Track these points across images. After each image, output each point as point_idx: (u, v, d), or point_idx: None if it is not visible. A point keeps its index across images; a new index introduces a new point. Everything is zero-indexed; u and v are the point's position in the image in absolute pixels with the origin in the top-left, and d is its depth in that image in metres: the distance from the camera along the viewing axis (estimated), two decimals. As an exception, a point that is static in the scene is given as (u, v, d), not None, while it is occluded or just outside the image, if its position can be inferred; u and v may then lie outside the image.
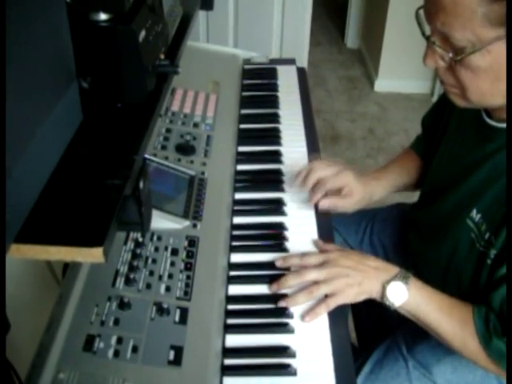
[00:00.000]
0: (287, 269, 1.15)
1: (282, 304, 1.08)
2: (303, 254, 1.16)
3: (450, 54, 0.98)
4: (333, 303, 1.08)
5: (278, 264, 1.15)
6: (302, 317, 1.06)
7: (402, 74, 4.06)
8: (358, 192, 1.35)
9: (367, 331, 1.65)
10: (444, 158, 1.30)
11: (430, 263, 1.29)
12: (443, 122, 1.34)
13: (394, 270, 1.11)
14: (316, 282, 1.09)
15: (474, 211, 1.12)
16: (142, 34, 0.82)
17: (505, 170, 1.05)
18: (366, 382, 1.24)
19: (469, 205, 1.14)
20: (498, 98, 1.00)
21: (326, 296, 1.09)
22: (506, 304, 1.04)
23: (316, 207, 1.32)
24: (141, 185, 0.71)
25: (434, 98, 3.95)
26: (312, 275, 1.10)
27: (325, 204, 1.30)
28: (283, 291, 1.11)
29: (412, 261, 1.41)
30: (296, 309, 1.08)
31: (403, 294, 1.08)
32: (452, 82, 1.04)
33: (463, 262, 1.17)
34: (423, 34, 1.05)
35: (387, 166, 1.53)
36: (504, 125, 1.08)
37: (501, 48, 0.91)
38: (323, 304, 1.07)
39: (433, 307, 1.09)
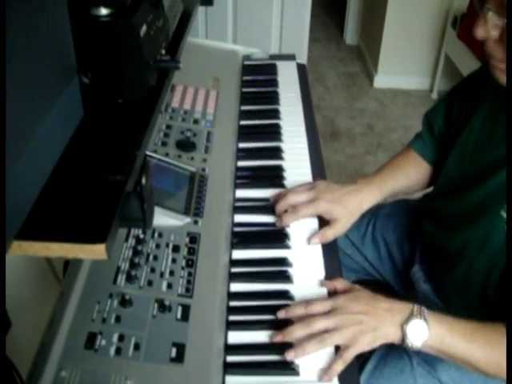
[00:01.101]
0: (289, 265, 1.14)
1: (289, 356, 0.98)
2: (308, 302, 1.05)
3: (501, 22, 0.97)
4: (349, 355, 0.99)
5: (281, 316, 1.05)
6: (320, 377, 0.96)
7: (401, 70, 4.06)
8: (341, 213, 1.27)
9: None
10: (468, 149, 1.26)
11: (455, 254, 1.25)
12: (463, 114, 1.31)
13: (407, 308, 1.03)
14: (326, 331, 1.00)
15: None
16: (144, 28, 0.81)
17: None
18: (369, 378, 1.23)
19: (503, 197, 1.11)
20: None
21: (339, 348, 1.01)
22: None
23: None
24: (143, 181, 0.71)
25: (433, 94, 3.95)
26: (321, 324, 1.01)
27: (314, 241, 1.23)
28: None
29: (420, 253, 1.39)
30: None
31: (424, 332, 1.01)
32: (501, 55, 1.02)
33: (497, 254, 1.13)
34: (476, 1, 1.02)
35: (382, 170, 1.45)
36: None
37: None
38: (339, 359, 0.98)
39: (458, 338, 1.03)
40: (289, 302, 1.08)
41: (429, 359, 1.22)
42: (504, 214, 1.11)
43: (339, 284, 1.11)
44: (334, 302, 1.04)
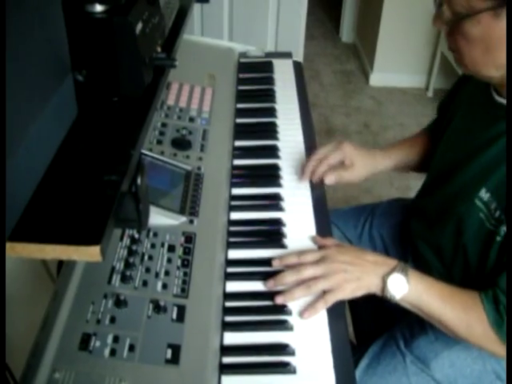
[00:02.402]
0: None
1: (278, 300, 1.06)
2: (300, 253, 1.14)
3: (450, 17, 1.04)
4: (331, 299, 1.07)
5: (275, 264, 1.13)
6: (301, 313, 1.05)
7: (397, 68, 4.05)
8: (360, 161, 1.39)
9: (365, 327, 1.65)
10: (451, 140, 1.31)
11: (436, 248, 1.29)
12: (454, 105, 1.35)
13: (392, 262, 1.10)
14: (314, 278, 1.08)
15: (483, 191, 1.12)
16: (139, 25, 0.80)
17: None
18: (363, 376, 1.24)
19: (477, 185, 1.14)
20: (491, 70, 1.05)
21: (324, 292, 1.08)
22: None
23: (314, 203, 1.31)
24: (138, 181, 0.70)
25: (429, 93, 3.94)
26: (309, 271, 1.09)
27: (331, 178, 1.34)
28: (280, 288, 1.09)
29: (412, 252, 1.40)
30: (294, 306, 1.06)
31: (403, 286, 1.07)
32: (454, 46, 1.09)
33: (471, 243, 1.16)
34: None
35: (397, 143, 1.57)
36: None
37: (489, 20, 0.97)
38: (321, 300, 1.06)
39: (434, 296, 1.08)
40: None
41: (422, 357, 1.23)
42: (479, 203, 1.13)
43: (330, 241, 1.20)
44: (324, 252, 1.13)
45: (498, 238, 1.09)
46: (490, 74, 1.07)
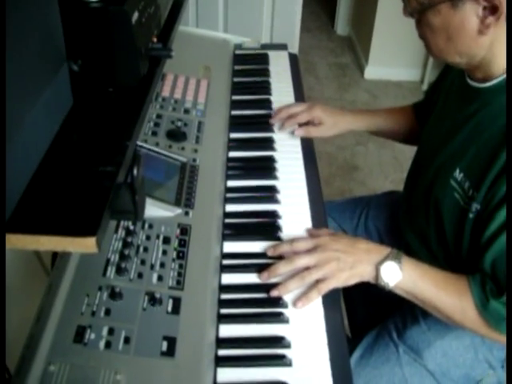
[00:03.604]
0: (280, 257, 1.13)
1: (273, 293, 1.06)
2: (293, 240, 1.14)
3: (415, 8, 1.09)
4: (324, 287, 1.07)
5: (269, 253, 1.13)
6: (294, 303, 1.05)
7: (392, 61, 4.05)
8: (328, 121, 1.51)
9: (359, 320, 1.65)
10: (431, 128, 1.35)
11: (422, 237, 1.30)
12: (439, 92, 1.38)
13: (385, 250, 1.11)
14: (307, 268, 1.08)
15: (457, 171, 1.15)
16: (135, 15, 0.79)
17: (486, 128, 1.10)
18: (356, 367, 1.25)
19: (451, 166, 1.16)
20: (455, 56, 1.10)
21: (317, 281, 1.08)
22: (498, 262, 1.05)
23: (310, 195, 1.31)
24: (135, 172, 0.69)
25: (424, 86, 3.94)
26: (302, 261, 1.09)
27: (300, 132, 1.49)
28: (275, 280, 1.09)
29: (405, 244, 1.41)
30: (290, 298, 1.06)
31: (397, 273, 1.08)
32: (421, 35, 1.14)
33: (449, 225, 1.18)
34: None
35: (375, 110, 1.68)
36: (484, 85, 1.12)
37: (448, 11, 1.03)
38: (315, 289, 1.07)
39: (428, 283, 1.09)
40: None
41: (415, 347, 1.25)
42: (453, 183, 1.15)
43: (323, 231, 1.20)
44: (317, 241, 1.13)
45: (471, 215, 1.10)
46: (455, 61, 1.12)
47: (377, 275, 1.08)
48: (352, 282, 1.10)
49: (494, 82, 1.10)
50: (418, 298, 1.10)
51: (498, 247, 1.04)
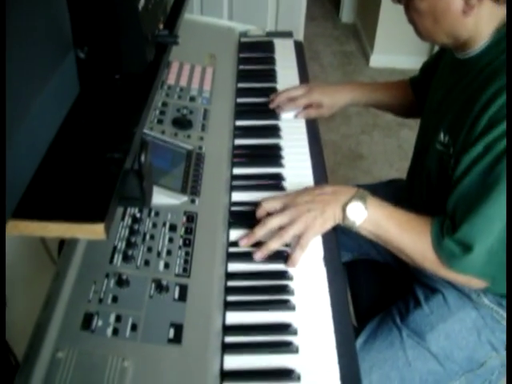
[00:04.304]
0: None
1: (257, 256, 1.09)
2: (262, 201, 1.17)
3: None
4: (305, 242, 1.10)
5: (244, 242, 1.13)
6: (287, 264, 1.09)
7: (398, 49, 4.03)
8: (327, 101, 1.55)
9: (365, 308, 1.65)
10: (425, 111, 1.39)
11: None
12: (435, 77, 1.40)
13: (351, 190, 1.14)
14: (283, 227, 1.11)
15: (442, 134, 1.18)
16: (142, 1, 0.79)
17: (472, 92, 1.12)
18: (360, 352, 1.26)
19: (437, 131, 1.20)
20: (443, 37, 1.15)
21: (299, 238, 1.11)
22: (460, 202, 1.09)
23: (316, 182, 1.30)
24: (142, 158, 0.69)
25: (430, 74, 3.92)
26: (275, 221, 1.12)
27: (301, 115, 1.52)
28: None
29: None
30: (297, 286, 1.06)
31: (362, 213, 1.11)
32: (410, 20, 1.19)
33: (437, 187, 1.22)
34: None
35: (369, 83, 1.79)
36: (469, 55, 1.16)
37: None
38: (297, 246, 1.10)
39: (392, 223, 1.13)
40: (287, 282, 1.07)
41: (418, 330, 1.26)
42: (439, 147, 1.19)
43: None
44: (285, 199, 1.16)
45: (452, 163, 1.14)
46: (443, 41, 1.17)
47: (344, 216, 1.12)
48: (328, 226, 1.13)
49: (477, 50, 1.14)
50: (381, 237, 1.15)
51: (461, 188, 1.08)
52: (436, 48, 3.82)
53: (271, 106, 1.53)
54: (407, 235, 1.13)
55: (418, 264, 1.15)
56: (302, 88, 1.57)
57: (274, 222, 1.12)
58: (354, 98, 1.60)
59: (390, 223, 1.13)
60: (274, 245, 1.09)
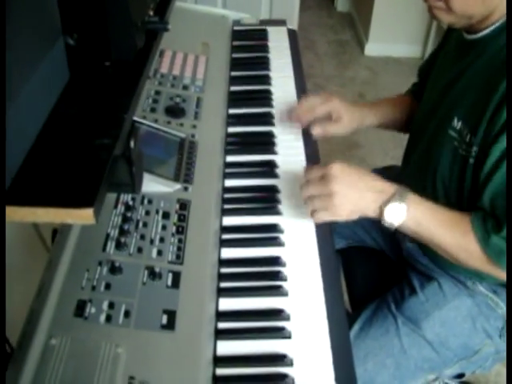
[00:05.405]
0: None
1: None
2: (308, 170, 1.13)
3: None
4: (321, 218, 1.08)
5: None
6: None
7: (393, 38, 4.03)
8: (347, 116, 1.41)
9: (359, 295, 1.66)
10: (427, 94, 1.35)
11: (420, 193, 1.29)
12: (433, 68, 1.38)
13: (390, 190, 1.08)
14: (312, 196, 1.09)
15: (455, 120, 1.15)
16: (130, -13, 0.79)
17: (483, 75, 1.10)
18: (355, 339, 1.27)
19: (450, 116, 1.17)
20: (479, 5, 1.07)
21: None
22: (497, 198, 1.06)
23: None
24: (131, 144, 0.69)
25: (425, 62, 3.92)
26: (305, 192, 1.09)
27: (318, 131, 1.36)
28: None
29: None
30: (290, 272, 1.07)
31: (401, 214, 1.07)
32: None
33: (448, 172, 1.19)
34: None
35: (381, 100, 1.59)
36: (478, 35, 1.13)
37: None
38: (323, 211, 1.07)
39: (434, 223, 1.09)
40: (280, 269, 1.07)
41: (413, 318, 1.27)
42: (452, 133, 1.16)
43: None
44: (327, 170, 1.07)
45: (471, 160, 1.11)
46: (479, 10, 1.08)
47: (380, 215, 1.07)
48: (354, 216, 1.09)
49: (488, 31, 1.11)
50: (423, 237, 1.11)
51: (495, 183, 1.06)
52: (431, 37, 3.82)
53: (290, 120, 1.42)
54: (450, 234, 1.09)
55: (462, 261, 1.11)
56: (319, 96, 1.43)
57: (308, 191, 1.09)
58: (368, 116, 1.49)
59: (432, 223, 1.09)
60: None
